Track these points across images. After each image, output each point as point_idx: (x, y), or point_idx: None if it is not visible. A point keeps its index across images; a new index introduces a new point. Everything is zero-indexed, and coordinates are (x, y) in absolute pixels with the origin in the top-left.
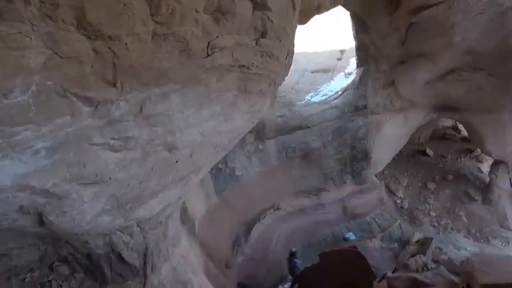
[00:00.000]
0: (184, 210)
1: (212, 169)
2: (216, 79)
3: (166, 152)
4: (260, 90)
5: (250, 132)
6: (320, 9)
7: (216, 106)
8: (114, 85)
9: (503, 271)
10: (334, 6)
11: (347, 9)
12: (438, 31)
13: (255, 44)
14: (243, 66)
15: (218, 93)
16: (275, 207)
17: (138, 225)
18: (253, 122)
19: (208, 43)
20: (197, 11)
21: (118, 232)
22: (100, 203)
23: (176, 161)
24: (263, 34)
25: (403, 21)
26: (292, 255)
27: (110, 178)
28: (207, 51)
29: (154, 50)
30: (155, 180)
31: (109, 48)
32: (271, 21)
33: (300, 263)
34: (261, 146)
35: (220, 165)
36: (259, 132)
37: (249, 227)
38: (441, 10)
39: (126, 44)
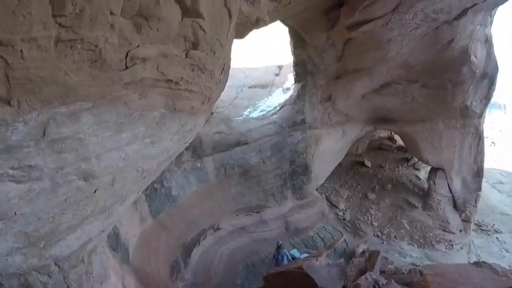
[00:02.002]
0: (116, 236)
1: (146, 189)
2: (138, 96)
3: (80, 181)
4: (192, 107)
5: (186, 149)
6: (258, 23)
7: (139, 127)
8: (8, 103)
9: (458, 282)
10: (273, 21)
11: (286, 25)
12: (374, 46)
13: (184, 56)
14: (171, 81)
15: (141, 112)
16: (215, 228)
17: (56, 264)
18: (185, 143)
19: (127, 53)
20: (112, 13)
21: (34, 272)
22: (8, 241)
23: (95, 191)
24: (194, 45)
25: (340, 37)
26: (279, 247)
27: (15, 213)
28: (126, 63)
29: (57, 60)
30: (70, 214)
31: (0, 56)
32: (204, 30)
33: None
34: (198, 164)
35: (155, 185)
36: (196, 149)
37: (188, 250)
38: (378, 25)
39: (21, 51)
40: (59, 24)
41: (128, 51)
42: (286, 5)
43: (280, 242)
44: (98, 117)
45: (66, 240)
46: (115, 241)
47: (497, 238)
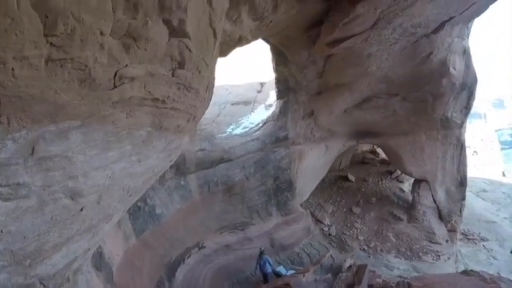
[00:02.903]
0: (99, 255)
1: (130, 208)
2: (126, 114)
3: (67, 199)
4: (177, 126)
5: (170, 166)
6: (241, 41)
7: (126, 145)
8: None
9: None
10: (255, 39)
11: (267, 42)
12: (355, 61)
13: (171, 76)
14: (157, 99)
15: (128, 131)
16: (200, 246)
17: (41, 283)
18: (170, 161)
19: (116, 72)
20: (102, 34)
21: None
22: None
23: (82, 209)
24: (180, 64)
25: (321, 54)
26: (261, 253)
27: (1, 231)
28: (114, 82)
29: (48, 78)
30: (57, 232)
31: None
32: (190, 50)
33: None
34: (182, 182)
35: (139, 204)
36: (179, 167)
37: (172, 268)
38: (358, 41)
39: (13, 69)
40: (51, 43)
41: (117, 70)
42: (268, 24)
43: (262, 248)
44: (86, 136)
45: (51, 258)
46: (99, 260)
47: (484, 246)
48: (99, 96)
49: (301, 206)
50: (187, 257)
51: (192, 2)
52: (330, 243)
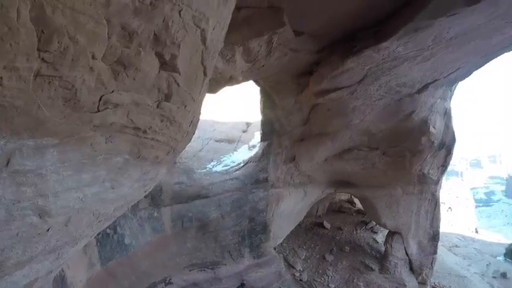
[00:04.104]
0: (61, 280)
1: (98, 234)
2: (105, 139)
3: (35, 217)
4: (156, 157)
5: (145, 196)
6: (231, 81)
7: (101, 170)
8: None
9: None
10: (245, 80)
11: (257, 85)
12: (339, 113)
13: (156, 107)
14: (139, 129)
15: (105, 156)
16: (166, 281)
17: None
18: (145, 191)
19: (101, 97)
20: (94, 57)
21: None
22: None
23: (48, 230)
24: (167, 97)
25: (308, 102)
26: (242, 285)
27: None
28: (98, 106)
29: (34, 92)
30: (20, 249)
31: None
32: (178, 84)
33: None
34: (155, 213)
35: (108, 230)
36: (154, 198)
37: None
38: (344, 94)
39: (1, 78)
40: (42, 58)
41: (103, 95)
42: (260, 67)
43: (245, 282)
44: (63, 155)
45: (13, 276)
46: (61, 284)
47: None
48: (81, 117)
49: (275, 249)
50: None
51: (187, 39)
52: None
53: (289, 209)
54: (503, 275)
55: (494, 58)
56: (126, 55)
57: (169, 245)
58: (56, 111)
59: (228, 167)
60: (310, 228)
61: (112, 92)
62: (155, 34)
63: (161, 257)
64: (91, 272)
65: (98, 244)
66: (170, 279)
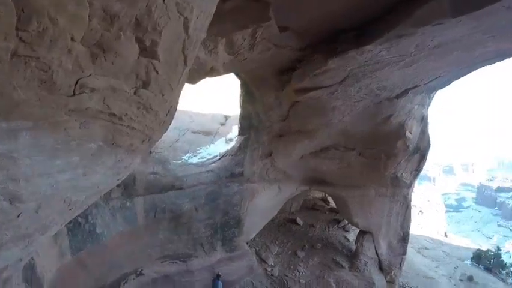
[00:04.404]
0: (31, 268)
1: (69, 222)
2: (79, 124)
3: (5, 202)
4: (130, 145)
5: (117, 185)
6: (212, 72)
7: (74, 156)
8: None
9: None
10: (227, 73)
11: (238, 78)
12: (319, 112)
13: (133, 93)
14: (114, 115)
15: (79, 141)
16: (138, 273)
17: None
18: (118, 180)
19: (78, 80)
20: (73, 40)
21: None
22: None
23: (18, 216)
24: (145, 84)
25: (288, 99)
26: (218, 276)
27: None
28: (74, 90)
29: (9, 73)
30: None
31: None
32: (157, 72)
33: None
34: (128, 203)
35: (79, 219)
36: (127, 187)
37: None
38: (325, 93)
39: None
40: (20, 38)
41: (79, 78)
42: (242, 60)
43: (219, 273)
44: (36, 139)
45: None
46: (30, 273)
47: None
48: (56, 100)
49: (247, 244)
50: (123, 283)
51: (169, 27)
52: (272, 284)
53: (263, 204)
54: (470, 278)
55: (475, 70)
56: (106, 39)
57: (141, 235)
58: (31, 93)
59: (204, 159)
60: (283, 224)
61: (89, 75)
62: (137, 19)
63: (133, 248)
64: (61, 262)
65: (69, 233)
66: (141, 270)
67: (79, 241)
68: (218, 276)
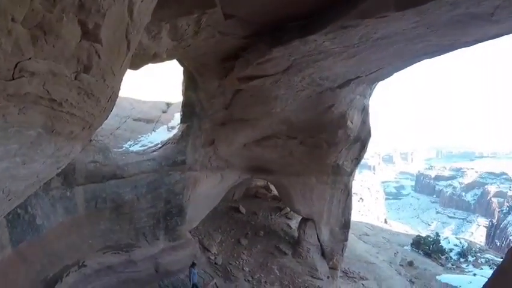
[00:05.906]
0: None
1: (9, 214)
2: (18, 110)
3: None
4: (71, 132)
5: (57, 175)
6: (155, 58)
7: (12, 143)
8: None
9: None
10: (170, 59)
11: (181, 65)
12: (262, 100)
13: (73, 78)
14: (54, 101)
15: (18, 128)
16: (80, 264)
17: None
18: (58, 168)
19: (17, 64)
20: (14, 20)
21: None
22: None
23: None
24: (86, 69)
25: (231, 87)
26: (193, 265)
27: None
28: (13, 74)
29: None
30: None
31: None
32: (99, 56)
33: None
34: (68, 193)
35: (19, 210)
36: (67, 177)
37: (49, 286)
38: (268, 82)
39: None
40: None
41: (19, 62)
42: (186, 47)
43: (195, 261)
44: None
45: None
46: None
47: (363, 284)
48: None
49: (190, 232)
50: (66, 275)
51: (113, 9)
52: (216, 272)
53: (205, 192)
54: (410, 263)
55: (416, 62)
56: (48, 20)
57: (82, 226)
58: None
59: (145, 147)
60: (226, 213)
61: (29, 59)
62: (80, 0)
63: (74, 239)
64: (2, 255)
65: (9, 225)
66: (83, 262)
67: (19, 233)
68: (193, 264)
